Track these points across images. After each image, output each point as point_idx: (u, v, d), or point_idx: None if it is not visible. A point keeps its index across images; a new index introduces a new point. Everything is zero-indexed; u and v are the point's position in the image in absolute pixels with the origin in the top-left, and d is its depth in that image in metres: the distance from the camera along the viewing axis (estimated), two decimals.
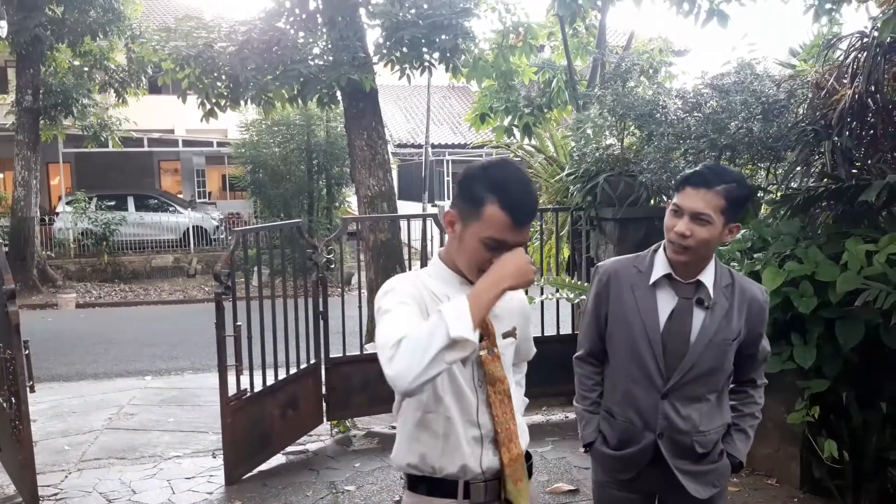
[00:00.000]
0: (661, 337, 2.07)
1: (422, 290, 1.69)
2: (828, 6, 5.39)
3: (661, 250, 2.13)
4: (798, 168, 4.01)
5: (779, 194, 4.19)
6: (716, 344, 2.06)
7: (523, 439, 1.79)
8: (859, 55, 3.69)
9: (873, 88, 3.60)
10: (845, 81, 3.80)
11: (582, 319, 2.33)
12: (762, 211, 4.42)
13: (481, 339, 1.68)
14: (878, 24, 3.42)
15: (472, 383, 1.70)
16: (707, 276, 2.08)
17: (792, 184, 4.11)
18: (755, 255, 3.79)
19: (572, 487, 4.08)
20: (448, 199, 18.58)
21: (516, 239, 1.61)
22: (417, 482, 1.75)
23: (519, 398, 1.90)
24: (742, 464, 2.19)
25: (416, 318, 1.57)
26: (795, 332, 3.46)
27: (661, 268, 2.10)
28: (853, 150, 3.74)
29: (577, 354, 2.34)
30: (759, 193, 4.61)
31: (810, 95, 4.13)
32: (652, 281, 2.10)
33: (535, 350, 2.01)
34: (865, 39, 3.66)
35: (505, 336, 1.77)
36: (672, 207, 2.05)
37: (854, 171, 3.74)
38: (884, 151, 3.75)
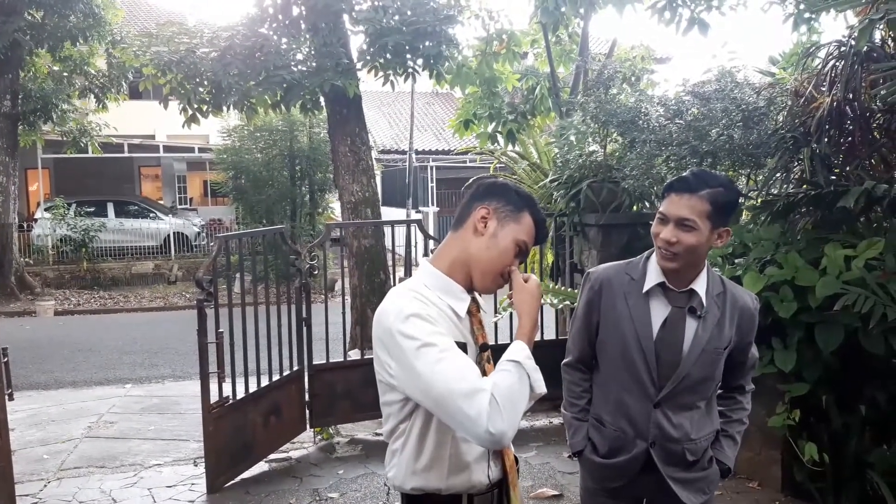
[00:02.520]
0: (654, 346, 2.06)
1: (437, 305, 1.63)
2: (807, 15, 5.47)
3: (653, 257, 2.13)
4: (778, 174, 4.06)
5: (759, 200, 4.24)
6: (708, 353, 2.06)
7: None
8: (837, 63, 3.74)
9: (851, 96, 3.66)
10: (824, 89, 3.85)
11: (571, 326, 2.31)
12: (743, 217, 4.47)
13: (485, 350, 1.69)
14: (856, 33, 3.48)
15: None
16: (699, 285, 2.07)
17: (772, 190, 4.16)
18: (736, 261, 3.83)
19: (556, 492, 4.08)
20: (432, 205, 18.57)
21: (529, 250, 1.74)
22: (420, 501, 1.68)
23: None
24: (731, 470, 2.20)
25: (461, 352, 1.55)
26: (776, 336, 3.49)
27: (654, 276, 2.09)
28: (832, 156, 3.79)
29: (565, 361, 2.32)
30: (741, 199, 4.66)
31: (789, 103, 4.18)
32: (645, 289, 2.09)
33: None
34: (843, 48, 3.71)
35: None
36: (658, 215, 2.05)
37: (833, 177, 3.78)
38: (861, 158, 3.80)
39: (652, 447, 2.09)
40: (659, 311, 2.08)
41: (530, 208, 1.69)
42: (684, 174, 2.06)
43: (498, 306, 4.50)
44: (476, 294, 1.73)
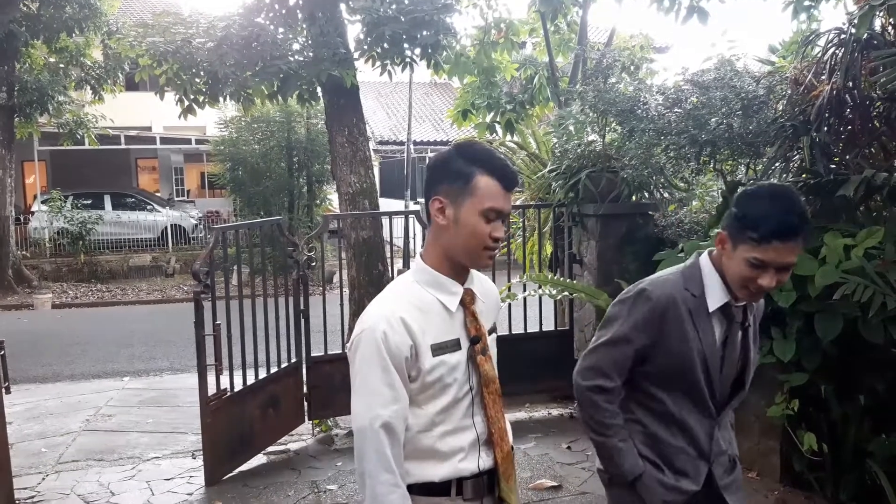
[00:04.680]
0: (719, 363, 1.96)
1: (427, 302, 1.63)
2: (806, 3, 5.43)
3: (712, 272, 1.94)
4: (777, 163, 4.04)
5: None
6: (754, 363, 2.04)
7: (510, 435, 1.77)
8: (837, 51, 3.71)
9: (850, 84, 3.63)
10: (823, 77, 3.82)
11: (605, 346, 2.02)
12: None
13: (476, 342, 1.66)
14: (855, 20, 3.45)
15: (468, 389, 1.66)
16: None
17: (771, 179, 4.14)
18: None
19: (555, 483, 4.08)
20: None
21: (506, 206, 1.61)
22: (409, 489, 1.65)
23: None
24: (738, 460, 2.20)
25: (394, 393, 1.57)
26: (775, 325, 3.49)
27: (719, 295, 1.94)
28: (831, 145, 3.77)
29: (598, 385, 1.99)
30: (740, 189, 4.64)
31: (789, 91, 4.16)
32: (712, 309, 1.94)
33: None
34: (843, 35, 3.68)
35: (489, 332, 1.74)
36: (753, 261, 1.80)
37: (832, 166, 3.77)
38: (861, 146, 3.78)
39: (711, 465, 2.02)
40: (719, 329, 1.97)
41: (480, 166, 1.58)
42: (784, 216, 1.76)
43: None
44: (473, 287, 1.70)
